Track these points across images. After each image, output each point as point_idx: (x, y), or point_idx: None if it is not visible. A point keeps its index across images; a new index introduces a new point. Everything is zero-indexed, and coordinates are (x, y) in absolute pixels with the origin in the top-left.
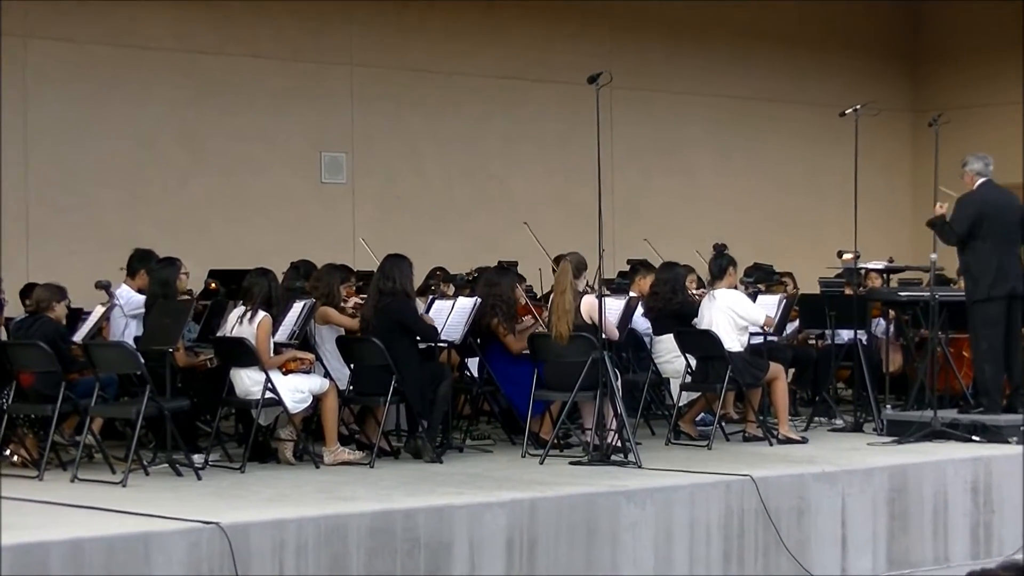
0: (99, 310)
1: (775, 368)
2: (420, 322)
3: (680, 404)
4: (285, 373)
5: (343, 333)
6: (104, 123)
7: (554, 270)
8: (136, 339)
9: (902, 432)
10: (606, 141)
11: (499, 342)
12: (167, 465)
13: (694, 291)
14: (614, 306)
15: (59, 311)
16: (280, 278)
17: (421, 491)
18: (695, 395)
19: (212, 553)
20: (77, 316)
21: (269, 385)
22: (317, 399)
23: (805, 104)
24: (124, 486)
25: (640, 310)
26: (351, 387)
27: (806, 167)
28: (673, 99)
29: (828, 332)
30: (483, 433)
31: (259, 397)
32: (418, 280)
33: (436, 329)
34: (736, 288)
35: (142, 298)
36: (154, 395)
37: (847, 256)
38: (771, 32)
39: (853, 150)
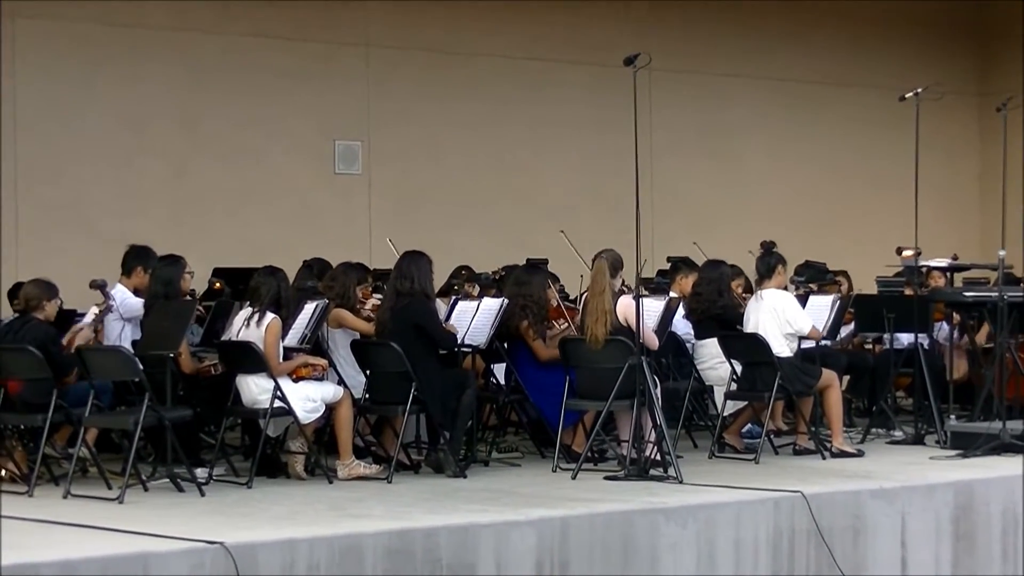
0: (94, 312)
1: (828, 375)
2: (438, 327)
3: (724, 414)
4: (295, 380)
5: (358, 337)
6: (95, 109)
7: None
8: (134, 343)
9: (967, 445)
10: (644, 128)
11: (528, 346)
12: (167, 480)
13: (741, 294)
14: (653, 307)
15: (50, 310)
16: (291, 277)
17: (443, 508)
18: (741, 404)
19: (216, 575)
20: (69, 319)
21: (278, 393)
22: (330, 408)
23: (862, 87)
24: (121, 502)
25: (681, 312)
26: (367, 395)
27: (863, 156)
28: (718, 82)
29: (886, 336)
30: (510, 445)
31: (267, 406)
32: (440, 279)
33: (455, 337)
34: (786, 288)
35: (140, 301)
36: (153, 404)
37: (907, 253)
38: (826, 8)
39: (914, 137)
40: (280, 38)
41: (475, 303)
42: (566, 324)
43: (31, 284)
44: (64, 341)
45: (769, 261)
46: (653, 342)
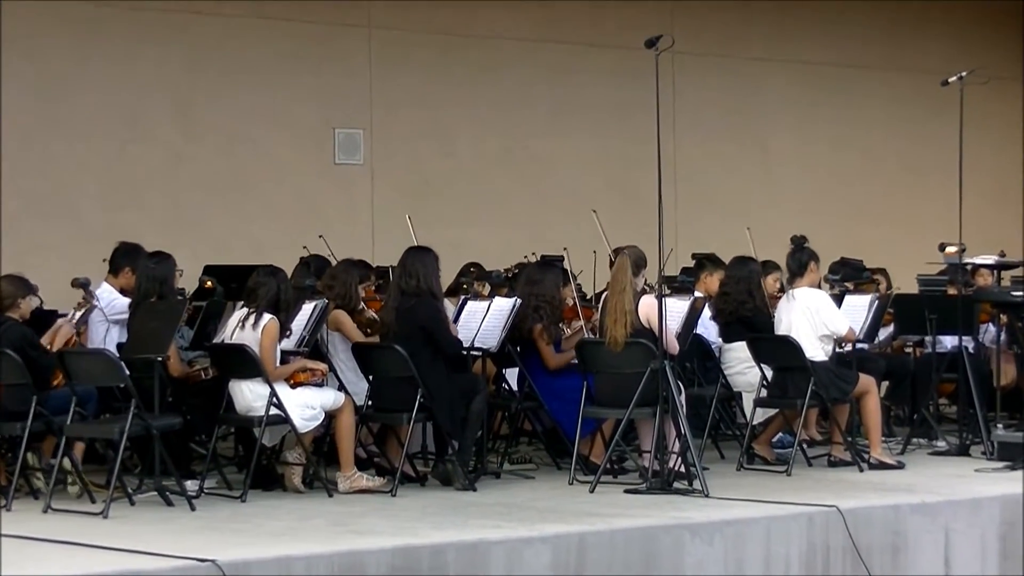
0: (76, 313)
1: (865, 381)
2: (445, 331)
3: (754, 423)
4: (293, 386)
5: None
6: (83, 94)
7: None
8: (119, 346)
9: (1016, 456)
10: (667, 115)
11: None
12: (155, 493)
13: (775, 293)
14: (677, 308)
15: (24, 308)
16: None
17: (451, 524)
18: (771, 412)
19: None
20: (50, 319)
21: (274, 400)
22: (330, 416)
23: (902, 71)
24: (105, 517)
25: (707, 313)
26: (369, 402)
27: (902, 144)
28: (747, 65)
29: (928, 339)
30: (524, 456)
31: (263, 414)
32: (448, 277)
33: (460, 343)
34: (819, 287)
35: (127, 301)
36: (140, 411)
37: (951, 249)
38: None
39: (958, 124)
40: (280, 20)
41: (486, 303)
42: (580, 324)
43: (5, 280)
44: (44, 341)
45: (801, 258)
46: (675, 347)
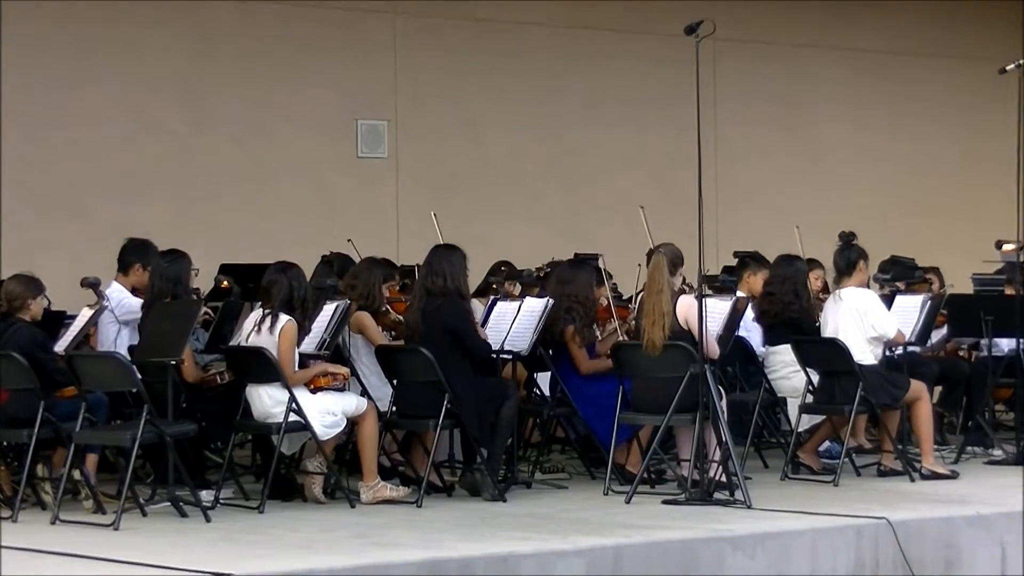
0: (86, 314)
1: (917, 386)
2: (473, 332)
3: (799, 430)
4: (313, 391)
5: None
6: (90, 84)
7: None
8: (131, 349)
9: None
10: (708, 106)
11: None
12: (169, 504)
13: (818, 292)
14: (717, 309)
15: (35, 309)
16: (309, 275)
17: (480, 536)
18: (818, 419)
19: None
20: (59, 321)
21: (294, 406)
22: (352, 423)
23: (957, 58)
24: (116, 529)
25: (750, 314)
26: (394, 408)
27: (958, 136)
28: (793, 53)
29: (984, 342)
30: (556, 465)
31: (281, 420)
32: (476, 277)
33: (490, 346)
34: (868, 287)
35: (138, 301)
36: (153, 417)
37: (1008, 247)
38: None
39: (1016, 115)
40: (296, 3)
41: (516, 304)
42: (615, 325)
43: (13, 281)
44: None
45: (849, 255)
46: (714, 352)
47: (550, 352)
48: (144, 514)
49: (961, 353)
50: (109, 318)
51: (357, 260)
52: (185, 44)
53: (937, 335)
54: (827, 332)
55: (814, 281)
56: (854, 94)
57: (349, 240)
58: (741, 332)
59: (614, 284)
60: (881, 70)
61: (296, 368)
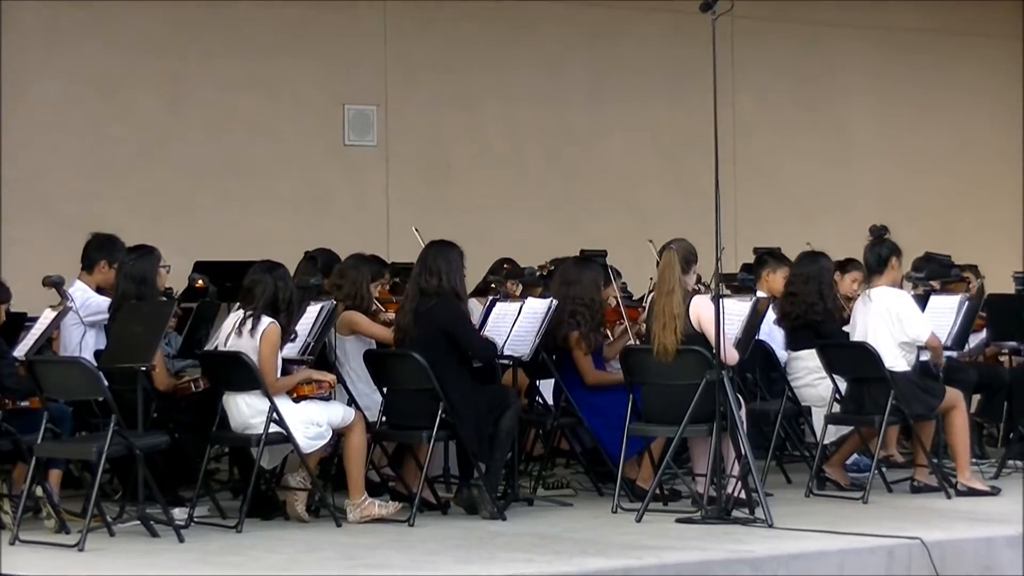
0: (48, 315)
1: (953, 394)
2: (472, 334)
3: (825, 442)
4: (296, 400)
5: (373, 346)
6: (57, 68)
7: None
8: (97, 354)
9: None
10: (726, 88)
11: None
12: (139, 522)
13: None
14: (735, 310)
15: None
16: (291, 272)
17: (477, 557)
18: (846, 430)
19: None
20: (19, 324)
21: (275, 416)
22: (339, 435)
23: (996, 38)
24: (81, 550)
25: (771, 316)
26: (384, 418)
27: (997, 119)
28: (818, 32)
29: None
30: (560, 480)
31: (261, 432)
32: (475, 276)
33: (495, 345)
34: (900, 286)
35: (105, 300)
36: (121, 428)
37: None
38: None
39: None
40: None
41: (517, 305)
42: (625, 327)
43: None
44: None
45: (880, 252)
46: (733, 357)
47: (553, 357)
48: (112, 534)
49: (1001, 358)
50: (73, 320)
51: (343, 257)
52: (160, 20)
53: (975, 339)
54: (856, 335)
55: (850, 284)
56: (882, 74)
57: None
58: (762, 335)
59: (623, 283)
60: (911, 48)
61: (278, 375)
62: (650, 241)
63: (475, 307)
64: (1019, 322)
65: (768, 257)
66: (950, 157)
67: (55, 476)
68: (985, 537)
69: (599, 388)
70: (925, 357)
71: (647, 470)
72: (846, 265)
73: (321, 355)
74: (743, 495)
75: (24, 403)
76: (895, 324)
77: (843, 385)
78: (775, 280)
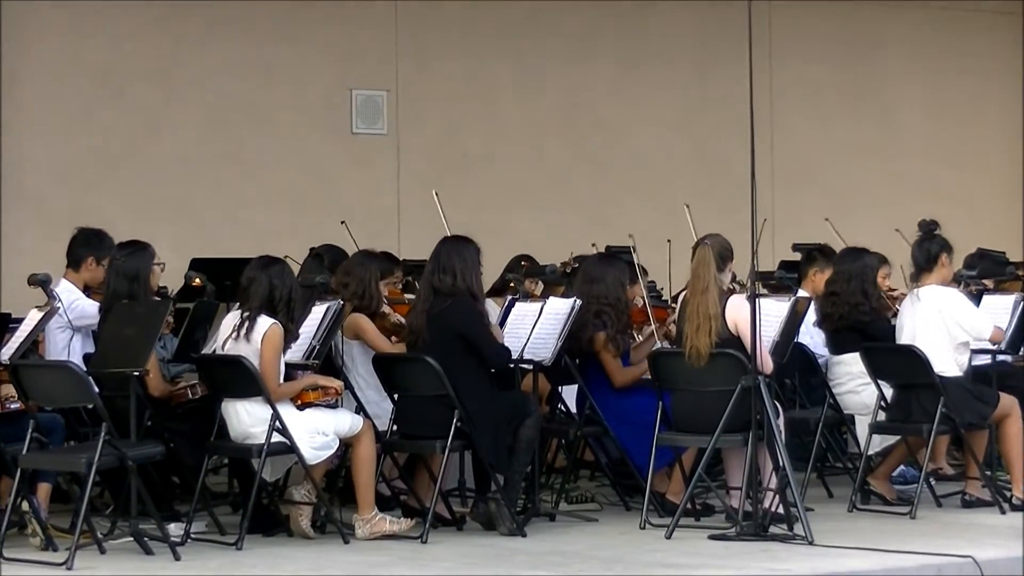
0: (34, 316)
1: (1008, 402)
2: (487, 338)
3: (870, 453)
4: (301, 407)
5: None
6: (41, 52)
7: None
8: (86, 358)
9: None
10: (762, 72)
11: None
12: (131, 539)
13: (889, 291)
14: (773, 311)
15: None
16: (295, 271)
17: None
18: (892, 440)
19: None
20: (3, 325)
21: (277, 424)
22: (346, 445)
23: None
24: (70, 569)
25: (812, 317)
26: (394, 427)
27: None
28: (861, 10)
29: None
30: (584, 494)
31: (263, 441)
32: (492, 274)
33: (509, 352)
34: (951, 285)
35: (93, 304)
36: (113, 438)
37: None
38: None
39: None
40: None
41: (538, 305)
42: (651, 330)
43: None
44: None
45: (929, 248)
46: (768, 364)
47: (577, 361)
48: (102, 551)
49: None
50: (59, 322)
51: (351, 253)
52: (154, 5)
53: None
54: (904, 338)
55: (882, 280)
56: (933, 57)
57: (343, 222)
58: (802, 338)
59: (652, 282)
60: (965, 28)
61: (280, 380)
62: (686, 205)
63: (492, 308)
64: None
65: (817, 254)
66: (1004, 146)
67: (43, 490)
68: None
69: (626, 394)
70: (978, 361)
71: (678, 483)
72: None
73: (327, 359)
74: (781, 510)
75: (14, 406)
76: (950, 325)
77: (889, 391)
78: (822, 280)
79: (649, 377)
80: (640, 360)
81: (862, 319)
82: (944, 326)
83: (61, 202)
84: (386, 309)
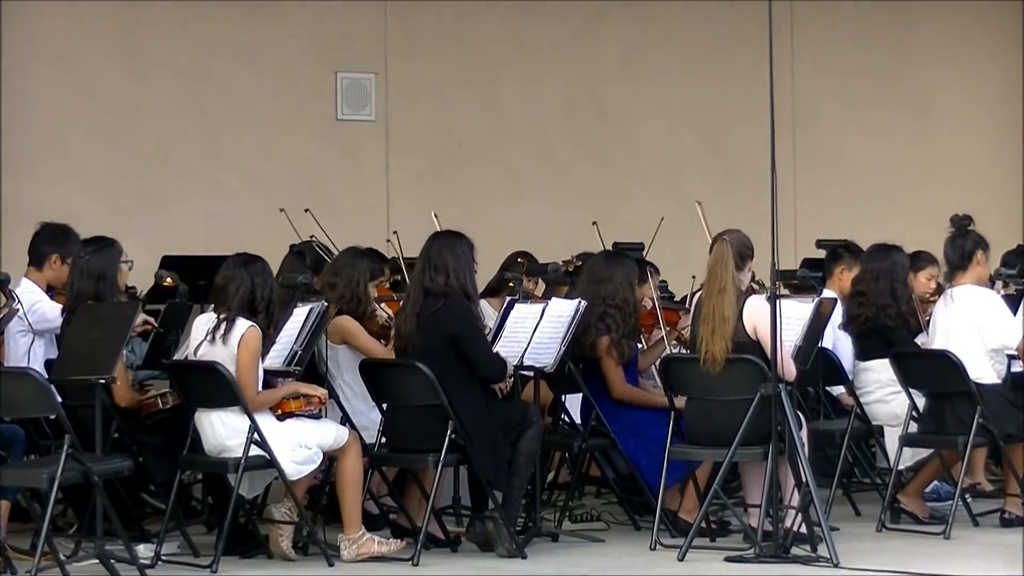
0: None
1: None
2: (480, 345)
3: (901, 467)
4: (281, 417)
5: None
6: (6, 34)
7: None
8: (48, 364)
9: None
10: (783, 56)
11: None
12: (97, 561)
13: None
14: (795, 314)
15: None
16: (275, 269)
17: None
18: (924, 453)
19: None
20: None
21: (255, 436)
22: (331, 459)
23: None
24: None
25: (837, 320)
26: (383, 440)
27: None
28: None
29: None
30: (590, 512)
31: (240, 455)
32: (488, 273)
33: (504, 362)
34: (987, 285)
35: (55, 307)
36: (77, 451)
37: None
38: None
39: None
40: None
41: (539, 307)
42: (662, 334)
43: None
44: None
45: (964, 245)
46: (791, 371)
47: (581, 367)
48: (65, 574)
49: None
50: (20, 326)
51: (336, 251)
52: None
53: None
54: (936, 342)
55: (925, 282)
56: (969, 44)
57: (307, 210)
58: (826, 343)
59: (663, 282)
60: (1002, 16)
61: (259, 388)
62: (698, 203)
63: (488, 310)
64: None
65: (844, 251)
66: None
67: (3, 507)
68: None
69: (634, 404)
70: (1018, 367)
71: (691, 500)
72: (917, 260)
73: (310, 365)
74: (804, 529)
75: None
76: (981, 329)
77: (921, 401)
78: (850, 279)
79: (657, 401)
80: (648, 367)
81: (887, 323)
82: (978, 329)
83: (20, 195)
84: (375, 308)
